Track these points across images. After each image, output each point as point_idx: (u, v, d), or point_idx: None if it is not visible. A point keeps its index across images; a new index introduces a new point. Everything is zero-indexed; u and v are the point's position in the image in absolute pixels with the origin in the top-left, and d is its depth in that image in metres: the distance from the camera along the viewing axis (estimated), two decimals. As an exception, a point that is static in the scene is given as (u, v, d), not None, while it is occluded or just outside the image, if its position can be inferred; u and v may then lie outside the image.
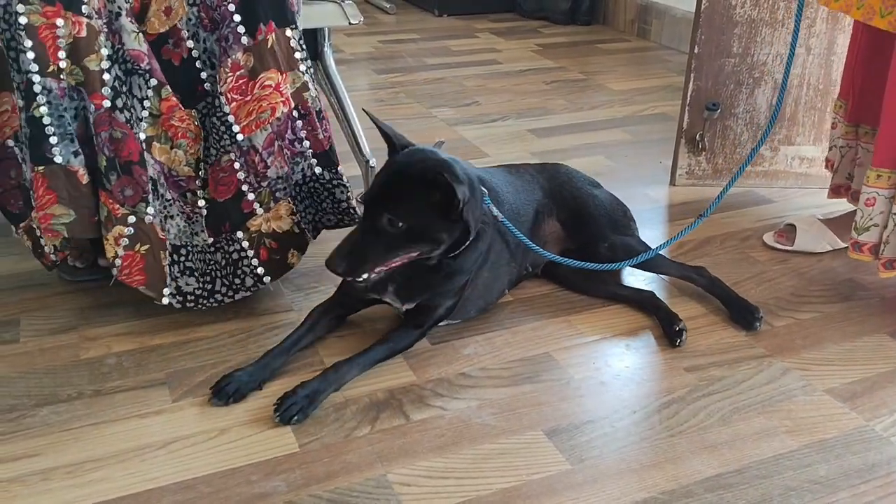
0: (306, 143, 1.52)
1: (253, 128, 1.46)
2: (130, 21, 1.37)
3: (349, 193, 1.58)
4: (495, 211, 1.47)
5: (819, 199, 2.05)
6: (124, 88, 1.38)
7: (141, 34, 1.39)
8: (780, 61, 2.06)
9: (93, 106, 1.36)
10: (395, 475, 1.18)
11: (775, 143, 2.14)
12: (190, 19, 1.42)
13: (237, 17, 1.42)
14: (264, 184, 1.49)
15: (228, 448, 1.23)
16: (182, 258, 1.48)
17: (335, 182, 1.56)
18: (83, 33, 1.34)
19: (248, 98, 1.44)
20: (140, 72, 1.38)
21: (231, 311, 1.58)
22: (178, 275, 1.48)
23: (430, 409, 1.32)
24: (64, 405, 1.32)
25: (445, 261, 1.41)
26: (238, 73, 1.43)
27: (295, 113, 1.49)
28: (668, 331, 1.51)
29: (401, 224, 1.31)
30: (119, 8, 1.36)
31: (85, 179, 1.39)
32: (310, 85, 1.50)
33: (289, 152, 1.51)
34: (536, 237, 1.60)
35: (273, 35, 1.45)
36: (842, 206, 1.90)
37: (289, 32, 1.47)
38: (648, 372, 1.43)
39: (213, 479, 1.17)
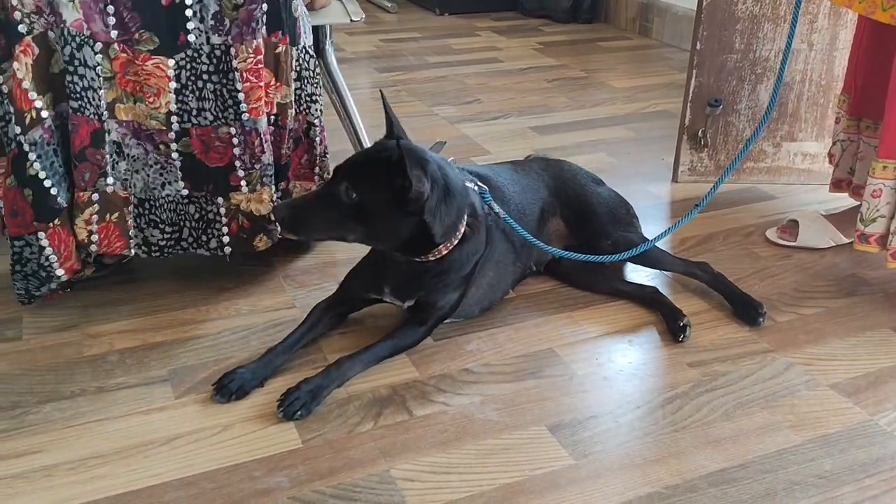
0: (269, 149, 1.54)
1: (260, 112, 1.48)
2: None
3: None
4: (496, 208, 1.46)
5: (822, 195, 2.05)
6: (67, 77, 1.38)
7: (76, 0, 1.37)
8: (782, 57, 2.05)
9: (70, 109, 1.40)
10: (399, 470, 1.18)
11: (778, 139, 2.14)
12: None
13: (265, 7, 1.45)
14: (257, 166, 1.51)
15: (231, 444, 1.23)
16: (147, 211, 1.52)
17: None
18: (35, 52, 1.36)
19: (262, 84, 1.47)
20: (85, 40, 1.38)
21: (232, 308, 1.58)
22: (144, 226, 1.53)
23: (433, 404, 1.32)
24: (67, 402, 1.32)
25: (430, 262, 1.40)
26: (258, 57, 1.45)
27: (272, 118, 1.53)
28: (672, 326, 1.51)
29: (354, 195, 1.30)
30: None
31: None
32: (293, 104, 1.57)
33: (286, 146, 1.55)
34: (541, 235, 1.60)
35: (284, 48, 1.50)
36: (844, 201, 1.89)
37: (294, 52, 1.54)
38: (652, 367, 1.43)
39: (216, 475, 1.17)
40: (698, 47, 2.08)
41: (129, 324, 1.53)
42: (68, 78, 1.39)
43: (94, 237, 1.47)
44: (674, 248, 1.82)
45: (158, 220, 1.52)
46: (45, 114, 1.38)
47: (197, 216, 1.53)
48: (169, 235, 1.54)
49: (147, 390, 1.35)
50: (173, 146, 1.47)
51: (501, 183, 1.57)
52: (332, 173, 1.36)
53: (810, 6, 2.01)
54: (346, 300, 1.51)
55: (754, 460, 1.21)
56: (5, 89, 1.38)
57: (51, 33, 1.37)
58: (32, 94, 1.37)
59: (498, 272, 1.54)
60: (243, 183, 1.51)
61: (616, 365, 1.43)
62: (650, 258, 1.66)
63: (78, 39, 1.37)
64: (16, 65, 1.35)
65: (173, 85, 1.44)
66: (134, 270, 1.72)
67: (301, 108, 1.62)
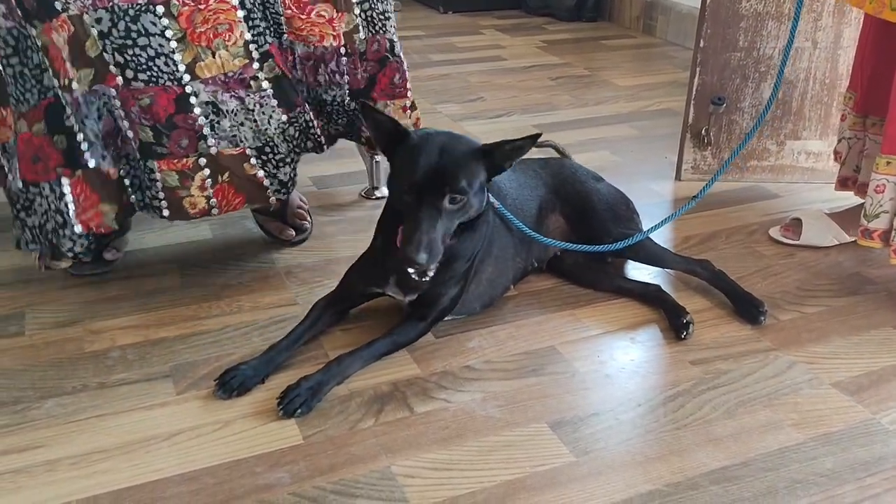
0: (346, 78, 1.60)
1: (297, 39, 1.53)
2: None
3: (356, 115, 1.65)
4: (491, 198, 1.46)
5: (825, 194, 2.04)
6: (129, 52, 1.38)
7: None
8: (783, 54, 2.05)
9: (112, 90, 1.39)
10: (400, 467, 1.18)
11: (781, 137, 2.13)
12: None
13: None
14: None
15: (233, 440, 1.23)
16: (269, 154, 1.54)
17: (355, 111, 1.64)
18: (71, 29, 1.36)
19: (303, 16, 1.52)
20: (143, 7, 1.38)
21: (235, 304, 1.58)
22: (274, 171, 1.55)
23: (434, 401, 1.32)
24: (69, 397, 1.32)
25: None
26: None
27: (343, 50, 1.57)
28: (675, 323, 1.50)
29: (464, 198, 1.30)
30: None
31: (115, 176, 1.47)
32: (360, 28, 1.58)
33: (328, 78, 1.58)
34: (540, 231, 1.60)
35: None
36: (848, 199, 1.89)
37: None
38: (653, 365, 1.43)
39: (218, 470, 1.17)
40: (702, 45, 2.07)
41: (131, 320, 1.53)
42: (129, 52, 1.38)
43: (213, 201, 1.50)
44: (676, 246, 1.82)
45: (280, 158, 1.55)
46: (75, 86, 1.38)
47: (297, 134, 1.57)
48: (292, 166, 1.58)
49: (149, 386, 1.35)
50: (260, 75, 1.49)
51: (498, 179, 1.57)
52: (409, 188, 1.29)
53: (814, 4, 2.01)
54: (347, 296, 1.50)
55: (756, 458, 1.20)
56: (38, 42, 1.36)
57: (86, 17, 1.36)
58: (68, 65, 1.37)
59: (497, 267, 1.54)
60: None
61: (618, 362, 1.43)
62: (651, 255, 1.65)
63: (132, 12, 1.37)
64: (55, 35, 1.36)
65: (241, 14, 1.46)
66: (136, 267, 1.72)
67: (377, 28, 1.62)
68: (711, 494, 1.14)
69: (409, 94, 1.70)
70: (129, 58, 1.38)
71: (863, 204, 1.63)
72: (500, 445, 1.23)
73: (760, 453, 1.21)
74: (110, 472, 1.17)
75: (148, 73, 1.40)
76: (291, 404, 1.27)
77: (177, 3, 1.40)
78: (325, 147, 1.66)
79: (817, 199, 2.06)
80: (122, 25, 1.37)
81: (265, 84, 1.50)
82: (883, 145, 1.56)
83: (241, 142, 1.50)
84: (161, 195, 1.48)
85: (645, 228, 1.71)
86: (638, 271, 1.71)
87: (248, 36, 1.47)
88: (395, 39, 1.65)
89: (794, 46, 2.03)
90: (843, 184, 1.86)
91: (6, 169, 1.48)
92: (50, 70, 1.38)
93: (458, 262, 1.42)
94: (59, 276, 1.66)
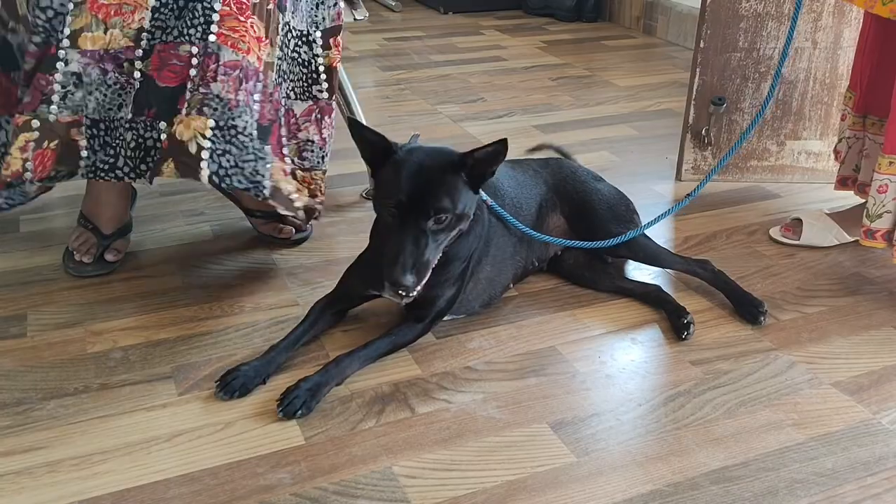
0: (256, 107, 1.46)
1: (228, 43, 1.42)
2: None
3: (268, 172, 1.47)
4: (484, 195, 1.46)
5: (826, 194, 2.05)
6: (39, 3, 1.34)
7: None
8: (780, 53, 2.05)
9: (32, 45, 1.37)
10: (401, 467, 1.18)
11: (781, 137, 2.13)
12: None
13: None
14: (202, 90, 1.42)
15: (234, 441, 1.23)
16: (101, 131, 1.45)
17: (262, 155, 1.46)
18: None
19: (242, 18, 1.42)
20: None
21: (236, 306, 1.59)
22: (98, 148, 1.46)
23: (435, 402, 1.32)
24: (70, 399, 1.32)
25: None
26: None
27: (261, 76, 1.47)
28: (675, 323, 1.51)
29: (449, 217, 1.30)
30: None
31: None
32: (274, 69, 1.53)
33: (245, 97, 1.44)
34: (540, 231, 1.60)
35: (273, 7, 1.47)
36: (848, 199, 1.89)
37: (280, 18, 1.50)
38: (654, 365, 1.43)
39: (219, 471, 1.17)
40: (702, 45, 2.07)
41: (132, 321, 1.54)
42: (32, 13, 1.34)
43: (29, 164, 1.41)
44: (677, 247, 1.82)
45: (108, 142, 1.45)
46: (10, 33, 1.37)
47: (133, 144, 1.45)
48: (110, 162, 1.46)
49: (150, 387, 1.35)
50: (137, 64, 1.41)
51: (496, 178, 1.56)
52: (393, 207, 1.29)
53: (814, 4, 2.01)
54: (345, 297, 1.51)
55: (756, 458, 1.21)
56: None
57: None
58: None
59: (495, 266, 1.54)
60: (184, 106, 1.42)
61: (618, 363, 1.43)
62: (650, 254, 1.65)
63: None
64: None
65: (152, 3, 1.40)
66: (138, 268, 1.72)
67: (281, 81, 1.58)
68: (712, 494, 1.14)
69: (283, 156, 1.61)
70: (32, 17, 1.34)
71: (863, 204, 1.64)
72: (501, 446, 1.23)
73: (761, 453, 1.22)
74: (112, 473, 1.17)
75: (42, 35, 1.36)
76: (291, 406, 1.27)
77: None
78: (150, 180, 1.46)
79: (818, 199, 2.06)
80: None
81: (137, 74, 1.42)
82: (885, 145, 1.56)
83: (82, 110, 1.43)
84: None
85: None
86: (639, 272, 1.71)
87: (146, 24, 1.40)
88: (292, 107, 1.61)
89: (794, 46, 2.04)
90: (842, 183, 1.86)
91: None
92: None
93: (454, 263, 1.43)
94: (61, 277, 1.67)
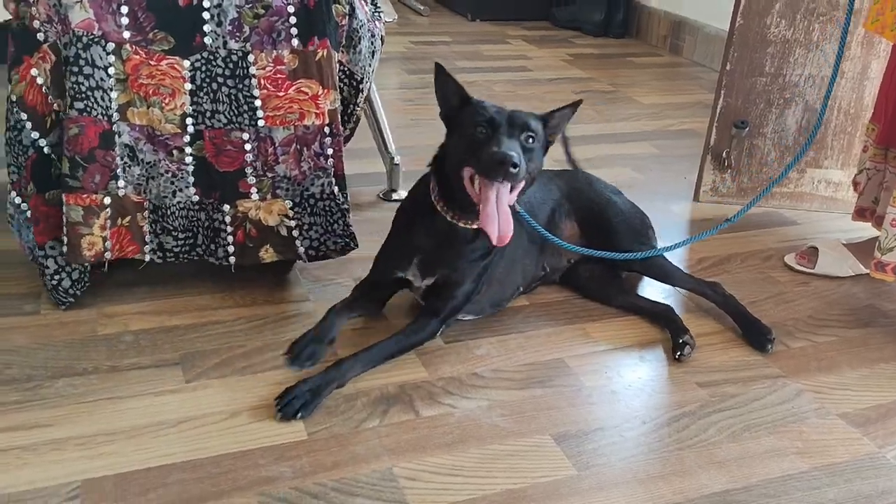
0: (331, 161, 1.53)
1: (277, 122, 1.48)
2: None
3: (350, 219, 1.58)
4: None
5: (843, 224, 2.04)
6: (73, 78, 1.37)
7: (84, 0, 1.36)
8: (812, 83, 2.05)
9: (74, 111, 1.40)
10: (402, 469, 1.19)
11: (802, 165, 2.13)
12: None
13: (293, 20, 1.44)
14: (269, 174, 1.51)
15: (238, 431, 1.24)
16: (161, 218, 1.51)
17: (346, 206, 1.57)
18: (52, 59, 1.39)
19: (282, 94, 1.46)
20: (95, 39, 1.38)
21: (249, 297, 1.60)
22: (160, 232, 1.52)
23: (440, 406, 1.33)
24: (80, 378, 1.34)
25: (470, 231, 1.40)
26: (279, 67, 1.45)
27: (327, 129, 1.51)
28: (673, 342, 1.50)
29: (535, 142, 1.34)
30: None
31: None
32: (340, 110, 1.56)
33: (312, 163, 1.52)
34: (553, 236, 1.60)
35: (325, 52, 1.47)
36: (866, 231, 1.88)
37: (338, 56, 1.51)
38: (660, 384, 1.43)
39: (222, 460, 1.18)
40: (728, 68, 2.07)
41: (145, 306, 1.55)
42: (72, 79, 1.37)
43: (108, 244, 1.47)
44: (690, 267, 1.82)
45: (171, 228, 1.52)
46: (63, 115, 1.40)
47: (206, 223, 1.53)
48: (183, 242, 1.53)
49: (159, 372, 1.36)
50: (187, 150, 1.47)
51: None
52: (484, 124, 1.30)
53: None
54: (377, 282, 1.51)
55: (758, 484, 1.20)
56: (13, 97, 1.40)
57: (58, 42, 1.39)
58: (51, 98, 1.40)
59: (507, 267, 1.54)
60: (253, 190, 1.51)
61: (625, 379, 1.43)
62: (662, 272, 1.65)
63: (85, 39, 1.37)
64: (34, 71, 1.39)
65: (188, 86, 1.44)
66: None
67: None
68: (711, 517, 1.14)
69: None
70: (71, 84, 1.38)
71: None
72: (504, 454, 1.23)
73: (763, 479, 1.21)
74: (116, 455, 1.18)
75: (84, 102, 1.39)
76: (290, 406, 1.27)
77: (129, 49, 1.40)
78: (230, 260, 1.54)
79: (835, 229, 2.05)
80: (72, 51, 1.37)
81: (188, 159, 1.48)
82: (902, 179, 1.55)
83: (144, 192, 1.49)
84: (63, 230, 1.45)
85: (659, 246, 1.71)
86: (651, 289, 1.71)
87: (188, 109, 1.45)
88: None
89: (821, 75, 2.04)
90: (860, 214, 1.85)
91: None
92: (29, 124, 1.41)
93: (477, 253, 1.43)
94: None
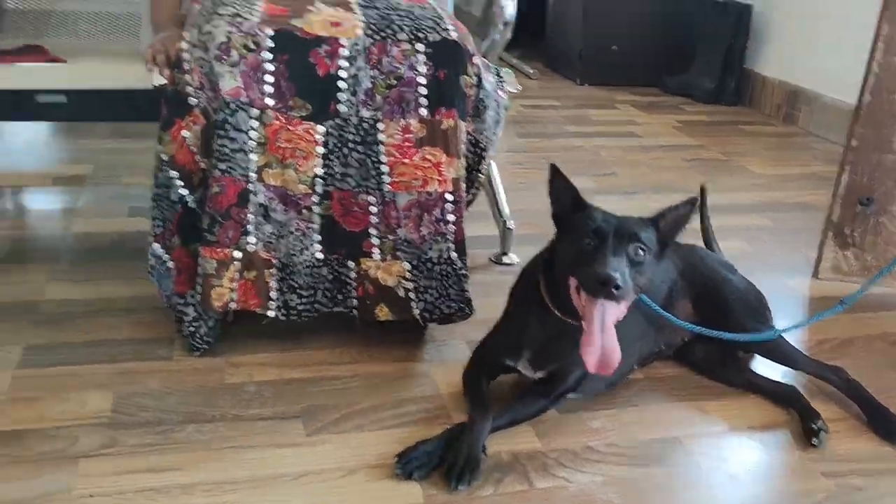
0: (451, 227, 1.57)
1: (401, 187, 1.54)
2: (220, 61, 1.45)
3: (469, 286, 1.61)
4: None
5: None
6: (219, 141, 1.46)
7: (235, 70, 1.45)
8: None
9: (217, 171, 1.49)
10: (516, 540, 1.18)
11: (932, 245, 2.04)
12: (357, 44, 1.50)
13: (423, 91, 1.51)
14: (391, 237, 1.56)
15: (356, 489, 1.27)
16: (288, 276, 1.57)
17: (464, 272, 1.61)
18: (202, 122, 1.50)
19: (407, 161, 1.53)
20: (243, 106, 1.47)
21: (365, 353, 1.64)
22: (286, 290, 1.58)
23: (553, 478, 1.32)
24: (208, 425, 1.40)
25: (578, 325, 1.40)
26: (407, 136, 1.51)
27: (449, 196, 1.55)
28: (806, 427, 1.45)
29: (646, 254, 1.30)
30: (209, 52, 1.46)
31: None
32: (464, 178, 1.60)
33: (432, 228, 1.56)
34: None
35: (452, 121, 1.53)
36: None
37: (464, 125, 1.57)
38: (782, 470, 1.38)
39: (340, 517, 1.21)
40: (853, 144, 2.02)
41: (267, 357, 1.61)
42: (219, 142, 1.47)
43: (234, 294, 1.54)
44: (810, 349, 1.76)
45: (297, 286, 1.58)
46: (208, 174, 1.50)
47: (330, 277, 1.59)
48: (306, 300, 1.59)
49: (281, 424, 1.41)
50: (315, 209, 1.54)
51: None
52: (592, 234, 1.29)
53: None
54: (481, 368, 1.52)
55: (891, 587, 1.14)
56: (164, 157, 1.51)
57: (209, 107, 1.49)
58: (198, 157, 1.51)
59: (623, 348, 1.53)
60: (376, 250, 1.56)
61: (744, 463, 1.39)
62: (782, 354, 1.61)
63: (233, 106, 1.46)
64: (185, 132, 1.50)
65: (321, 150, 1.51)
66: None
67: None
68: None
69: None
70: (217, 146, 1.47)
71: None
72: (619, 533, 1.21)
73: (896, 583, 1.15)
74: (241, 504, 1.23)
75: (227, 163, 1.48)
76: (408, 465, 1.29)
77: (271, 115, 1.48)
78: (354, 312, 1.61)
79: (969, 315, 1.95)
80: (221, 115, 1.46)
81: (316, 218, 1.54)
82: None
83: (274, 251, 1.55)
84: (198, 279, 1.53)
85: (778, 325, 1.66)
86: (766, 367, 1.66)
87: (319, 171, 1.52)
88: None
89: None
90: None
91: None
92: (178, 182, 1.52)
93: None
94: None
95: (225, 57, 1.45)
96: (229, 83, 1.45)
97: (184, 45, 1.49)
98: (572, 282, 1.31)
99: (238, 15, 1.48)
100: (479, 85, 1.60)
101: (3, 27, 1.99)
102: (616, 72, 4.29)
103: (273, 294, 1.58)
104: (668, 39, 4.25)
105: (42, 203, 2.44)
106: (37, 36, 1.98)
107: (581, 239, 1.31)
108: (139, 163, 2.56)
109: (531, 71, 4.42)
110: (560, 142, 3.25)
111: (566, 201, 1.37)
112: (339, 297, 1.61)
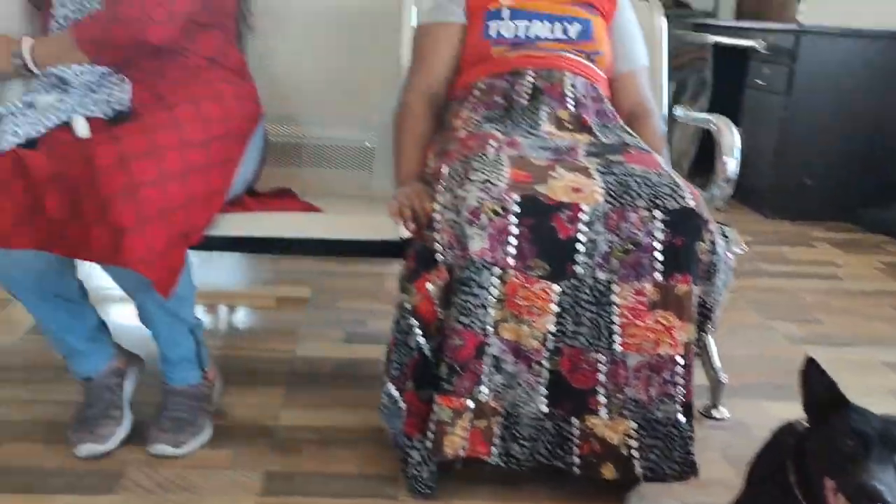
0: (681, 390, 1.58)
1: (632, 348, 1.57)
2: (471, 224, 1.54)
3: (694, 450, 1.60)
4: None
5: None
6: (462, 297, 1.54)
7: (483, 232, 1.54)
8: None
9: (459, 324, 1.56)
10: None
11: None
12: (597, 210, 1.56)
13: (659, 256, 1.56)
14: (619, 396, 1.58)
15: None
16: (512, 425, 1.61)
17: (690, 434, 1.60)
18: (445, 277, 1.59)
19: (640, 324, 1.56)
20: (487, 265, 1.54)
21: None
22: (508, 439, 1.61)
23: None
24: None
25: None
26: (640, 298, 1.55)
27: (680, 360, 1.57)
28: None
29: None
30: (461, 215, 1.55)
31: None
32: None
33: (661, 390, 1.58)
34: None
35: (686, 287, 1.56)
36: None
37: (697, 290, 1.59)
38: None
39: None
40: None
41: (487, 504, 1.65)
42: (462, 297, 1.55)
43: (465, 443, 1.60)
44: None
45: (519, 436, 1.62)
46: (445, 325, 1.59)
47: (553, 431, 1.62)
48: (528, 450, 1.62)
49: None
50: (545, 363, 1.58)
51: None
52: (854, 436, 1.21)
53: None
54: None
55: None
56: (408, 306, 1.61)
57: (455, 264, 1.58)
58: (438, 309, 1.60)
59: None
60: (602, 409, 1.59)
61: None
62: None
63: (479, 264, 1.54)
64: (429, 285, 1.59)
65: (555, 308, 1.57)
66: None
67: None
68: None
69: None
70: (460, 301, 1.54)
71: None
72: None
73: None
74: None
75: (469, 318, 1.54)
76: None
77: (511, 273, 1.55)
78: (574, 470, 1.62)
79: None
80: (466, 273, 1.54)
81: (545, 372, 1.58)
82: None
83: (501, 399, 1.59)
84: (432, 427, 1.58)
85: None
86: None
87: (552, 328, 1.56)
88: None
89: None
90: None
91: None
92: (417, 329, 1.60)
93: None
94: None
95: (475, 220, 1.55)
96: (478, 244, 1.55)
97: (437, 206, 1.62)
98: (828, 483, 1.25)
99: (488, 181, 1.59)
100: (713, 251, 1.62)
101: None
102: (808, 205, 4.16)
103: (496, 441, 1.62)
104: (868, 172, 4.11)
105: (267, 322, 2.64)
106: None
107: (841, 438, 1.24)
108: (355, 287, 2.76)
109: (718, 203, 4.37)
110: (756, 282, 3.17)
111: (823, 397, 1.30)
112: (560, 452, 1.62)
